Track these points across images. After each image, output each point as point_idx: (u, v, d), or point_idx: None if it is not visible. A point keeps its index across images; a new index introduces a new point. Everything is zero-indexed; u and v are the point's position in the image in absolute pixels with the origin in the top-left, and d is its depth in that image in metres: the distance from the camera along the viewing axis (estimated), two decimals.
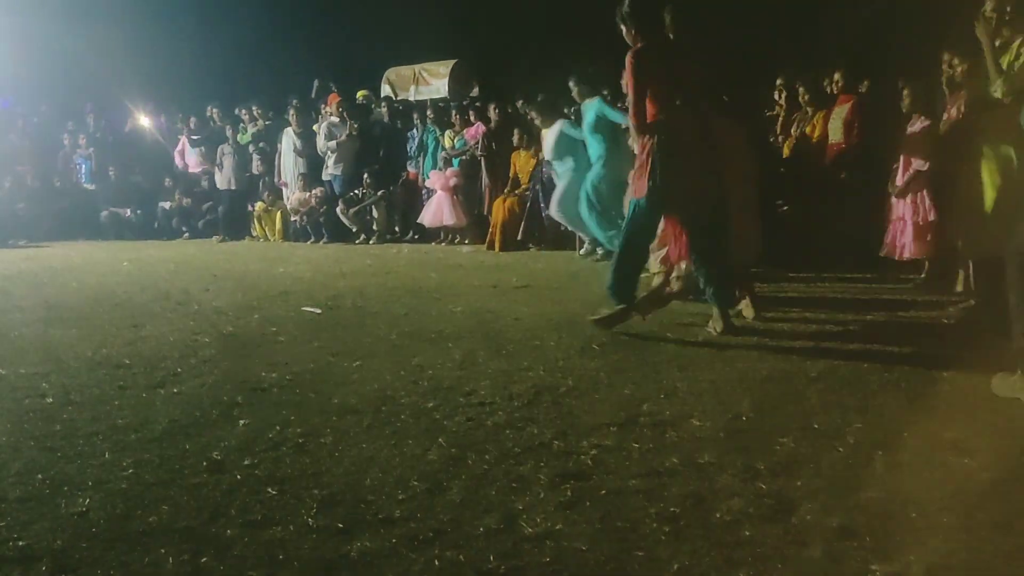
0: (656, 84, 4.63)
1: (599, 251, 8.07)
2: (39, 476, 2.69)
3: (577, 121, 8.23)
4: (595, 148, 7.82)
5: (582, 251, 8.49)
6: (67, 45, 13.86)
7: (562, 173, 8.40)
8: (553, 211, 8.52)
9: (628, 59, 4.66)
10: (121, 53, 13.81)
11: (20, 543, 2.24)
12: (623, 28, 4.77)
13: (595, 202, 7.77)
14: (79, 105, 13.76)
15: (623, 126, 7.39)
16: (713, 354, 4.20)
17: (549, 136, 8.49)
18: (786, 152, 8.06)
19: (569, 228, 8.58)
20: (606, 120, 7.65)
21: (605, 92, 8.03)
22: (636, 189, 4.74)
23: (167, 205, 12.54)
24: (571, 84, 7.93)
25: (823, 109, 7.58)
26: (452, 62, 13.73)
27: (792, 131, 7.98)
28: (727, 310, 4.74)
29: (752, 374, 3.80)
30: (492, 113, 9.59)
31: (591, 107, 7.75)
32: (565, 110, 8.59)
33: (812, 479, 2.55)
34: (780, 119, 8.35)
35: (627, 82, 4.70)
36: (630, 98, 4.70)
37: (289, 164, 11.63)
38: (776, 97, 8.55)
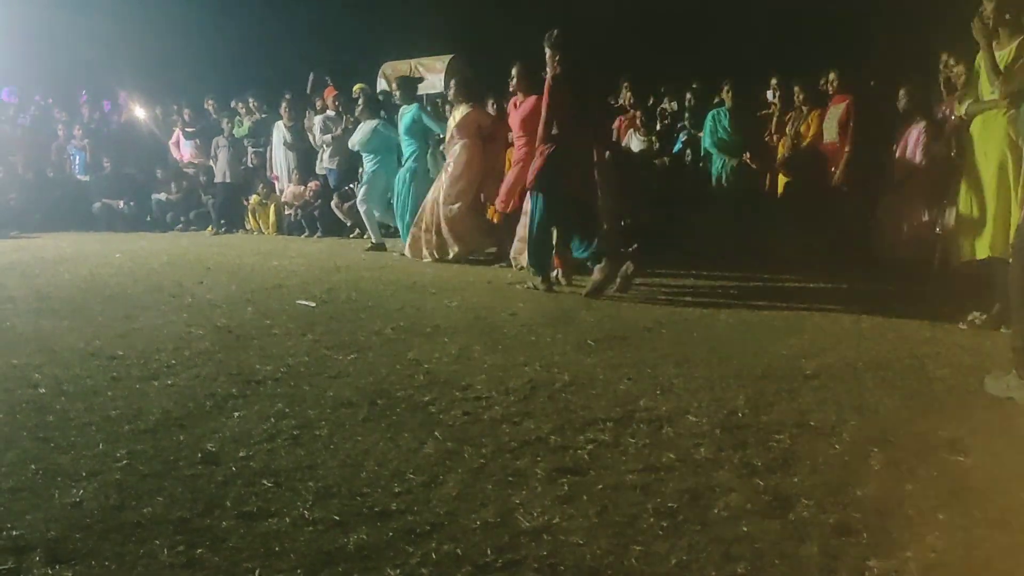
0: (563, 105, 5.78)
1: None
2: (32, 466, 2.66)
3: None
4: (409, 149, 8.70)
5: (369, 245, 9.28)
6: (63, 35, 13.77)
7: (369, 167, 9.33)
8: (359, 204, 9.42)
9: (548, 81, 5.86)
10: (117, 44, 13.75)
11: (13, 533, 2.21)
12: (548, 52, 5.87)
13: (403, 197, 8.69)
14: (74, 96, 13.66)
15: (438, 134, 8.65)
16: (708, 351, 4.20)
17: (362, 130, 9.32)
18: (781, 151, 8.10)
19: (365, 220, 9.46)
20: (421, 125, 8.54)
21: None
22: (528, 180, 6.08)
23: (162, 197, 12.48)
24: (392, 89, 9.15)
25: (818, 108, 7.61)
26: (448, 56, 13.68)
27: (787, 130, 8.01)
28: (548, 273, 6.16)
29: (747, 371, 3.80)
30: (490, 108, 9.60)
31: (408, 112, 8.63)
32: (383, 112, 9.64)
33: (809, 476, 2.55)
34: (774, 118, 8.39)
35: (544, 99, 5.85)
36: (544, 113, 5.86)
37: (280, 157, 11.58)
38: (770, 97, 8.57)
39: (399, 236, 8.90)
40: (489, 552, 2.09)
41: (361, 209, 9.40)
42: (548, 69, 5.94)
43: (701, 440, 2.88)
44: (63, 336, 4.55)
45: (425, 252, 8.07)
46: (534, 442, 2.88)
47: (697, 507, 2.33)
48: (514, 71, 7.02)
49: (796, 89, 7.73)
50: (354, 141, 9.47)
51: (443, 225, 7.95)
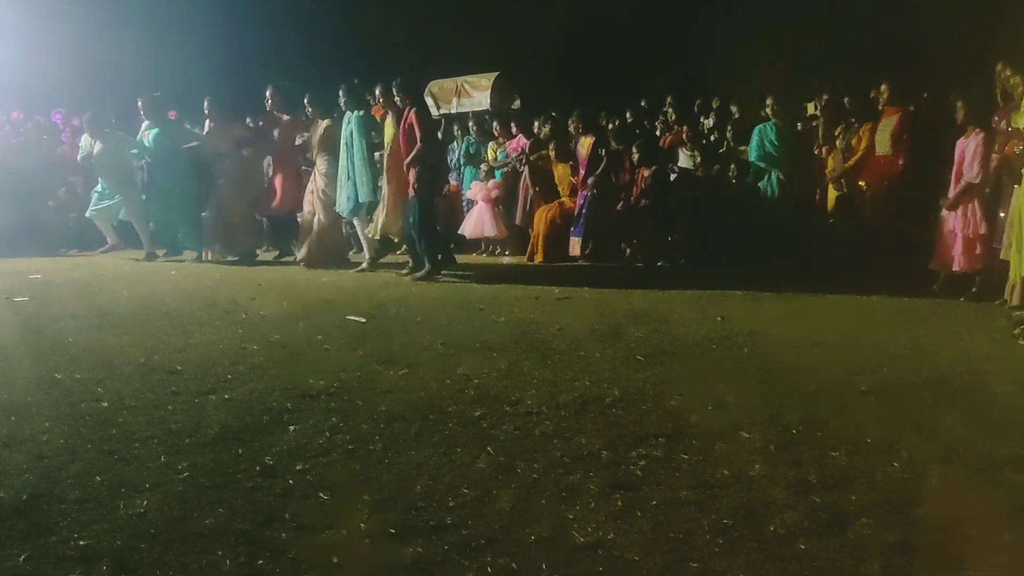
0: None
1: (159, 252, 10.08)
2: (97, 478, 2.74)
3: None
4: (159, 164, 9.74)
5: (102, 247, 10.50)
6: (121, 56, 14.08)
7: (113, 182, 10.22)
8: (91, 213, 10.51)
9: (414, 115, 7.69)
10: (175, 66, 14.03)
11: (81, 543, 2.28)
12: (394, 93, 7.85)
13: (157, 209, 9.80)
14: (131, 117, 14.00)
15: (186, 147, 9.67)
16: (760, 367, 4.16)
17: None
18: (830, 164, 8.00)
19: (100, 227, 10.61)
20: (165, 140, 9.52)
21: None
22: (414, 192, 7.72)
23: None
24: (139, 104, 9.79)
25: (869, 121, 7.51)
26: (494, 74, 13.79)
27: (837, 143, 7.92)
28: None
29: (800, 388, 3.76)
30: (539, 125, 9.72)
31: (154, 129, 9.63)
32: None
33: (867, 493, 2.51)
34: (820, 131, 8.31)
35: (415, 125, 7.64)
36: (423, 135, 7.63)
37: None
38: (813, 109, 8.51)
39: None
40: (544, 567, 2.10)
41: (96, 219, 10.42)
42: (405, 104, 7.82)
43: (755, 456, 2.86)
44: (124, 351, 4.67)
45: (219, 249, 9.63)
46: (586, 457, 2.89)
47: (753, 524, 2.31)
48: (269, 95, 9.03)
49: (846, 101, 7.65)
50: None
51: (232, 223, 9.47)
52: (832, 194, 8.01)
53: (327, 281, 7.86)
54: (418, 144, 7.69)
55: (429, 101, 14.11)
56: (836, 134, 7.89)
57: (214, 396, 3.74)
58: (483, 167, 10.52)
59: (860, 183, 7.47)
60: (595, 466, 2.80)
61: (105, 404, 3.62)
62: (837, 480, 2.63)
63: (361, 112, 8.53)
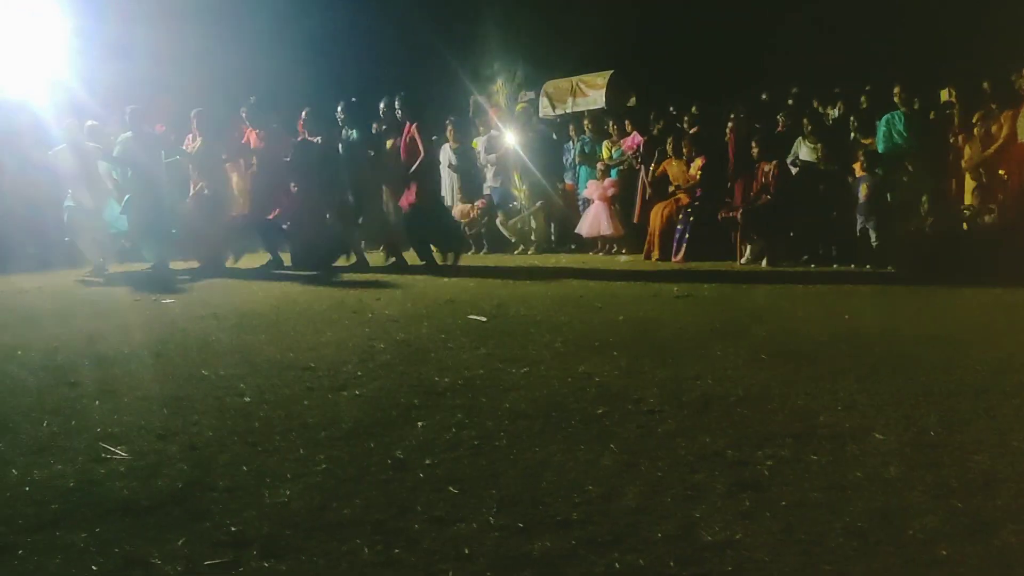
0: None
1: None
2: (244, 468, 2.92)
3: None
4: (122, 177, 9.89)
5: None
6: (225, 63, 14.65)
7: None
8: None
9: (415, 129, 8.61)
10: (280, 72, 14.57)
11: (232, 529, 2.43)
12: (399, 107, 8.74)
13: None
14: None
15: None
16: (892, 366, 4.01)
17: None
18: (967, 153, 7.61)
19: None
20: (138, 148, 9.59)
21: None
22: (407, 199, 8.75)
23: None
24: (127, 114, 9.70)
25: (1010, 108, 7.09)
26: (609, 73, 13.75)
27: (975, 131, 7.52)
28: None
29: (937, 388, 3.61)
30: (653, 122, 9.73)
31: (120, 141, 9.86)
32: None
33: (1014, 499, 2.39)
34: (955, 118, 7.91)
35: (417, 139, 8.57)
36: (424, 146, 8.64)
37: (446, 178, 12.02)
38: (947, 96, 8.13)
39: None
40: (672, 564, 2.10)
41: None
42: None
43: (890, 459, 2.76)
44: (261, 349, 4.94)
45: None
46: (711, 456, 2.86)
47: (890, 528, 2.24)
48: (244, 115, 9.97)
49: (985, 86, 7.25)
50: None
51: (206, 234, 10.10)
52: (969, 184, 7.61)
53: (447, 282, 8.05)
54: (420, 156, 8.48)
55: (544, 101, 14.24)
56: (974, 121, 7.49)
57: (346, 392, 3.90)
58: (599, 166, 10.53)
59: (1000, 172, 7.07)
60: (720, 465, 2.77)
61: (247, 399, 3.83)
62: (980, 484, 2.51)
63: (358, 131, 9.38)
